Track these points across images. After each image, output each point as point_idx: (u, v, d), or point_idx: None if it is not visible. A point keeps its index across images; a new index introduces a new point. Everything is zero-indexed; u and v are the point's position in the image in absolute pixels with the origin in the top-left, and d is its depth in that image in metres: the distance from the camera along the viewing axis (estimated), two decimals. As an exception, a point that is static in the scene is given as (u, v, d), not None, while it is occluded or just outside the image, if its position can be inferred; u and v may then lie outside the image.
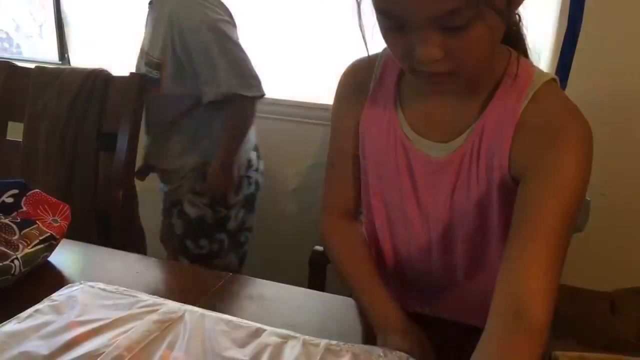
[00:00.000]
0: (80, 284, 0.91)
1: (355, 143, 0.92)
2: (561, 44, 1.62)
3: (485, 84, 0.81)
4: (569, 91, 1.64)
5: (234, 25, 1.71)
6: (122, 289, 0.89)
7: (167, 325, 0.80)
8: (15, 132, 1.73)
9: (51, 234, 1.06)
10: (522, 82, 0.78)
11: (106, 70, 1.69)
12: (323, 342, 0.78)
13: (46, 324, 0.80)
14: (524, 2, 0.72)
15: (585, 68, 1.69)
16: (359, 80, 0.91)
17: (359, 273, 0.90)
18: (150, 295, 0.88)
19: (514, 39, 0.82)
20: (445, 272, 0.93)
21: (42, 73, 1.72)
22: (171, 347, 0.76)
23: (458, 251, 0.90)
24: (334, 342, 0.78)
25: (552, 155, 0.73)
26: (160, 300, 0.87)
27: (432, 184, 0.86)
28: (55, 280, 1.03)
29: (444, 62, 0.69)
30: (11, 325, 0.79)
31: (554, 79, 0.80)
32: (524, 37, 0.83)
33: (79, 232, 1.18)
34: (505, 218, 0.80)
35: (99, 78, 1.66)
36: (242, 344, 0.77)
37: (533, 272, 0.67)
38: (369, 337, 0.81)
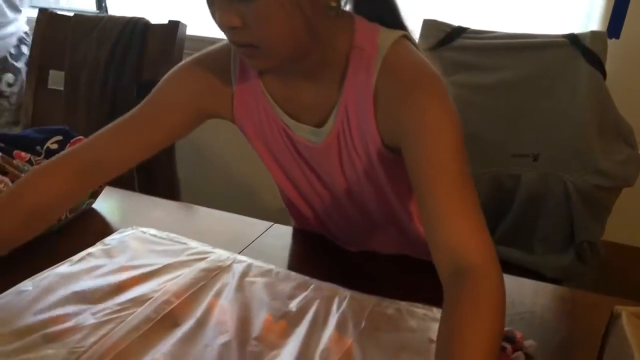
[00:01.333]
0: (133, 229, 0.92)
1: (178, 121, 0.88)
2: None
3: (334, 61, 0.78)
4: (621, 40, 1.57)
5: None
6: (172, 235, 0.90)
7: (215, 273, 0.80)
8: (56, 80, 1.73)
9: (96, 181, 1.06)
10: (369, 53, 0.76)
11: (144, 19, 1.67)
12: (371, 298, 0.77)
13: (98, 267, 0.81)
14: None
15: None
16: (210, 75, 0.86)
17: None
18: (200, 243, 0.88)
19: (379, 6, 0.79)
20: (364, 223, 0.94)
21: (81, 22, 1.71)
22: (218, 295, 0.76)
23: (370, 208, 0.91)
24: (382, 299, 0.77)
25: (412, 114, 0.72)
26: (209, 248, 0.87)
27: (321, 164, 0.87)
28: (99, 227, 1.04)
29: (243, 33, 0.69)
30: (65, 267, 0.81)
31: (403, 35, 0.78)
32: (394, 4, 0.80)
33: (120, 181, 1.18)
34: (395, 181, 0.84)
35: (137, 26, 1.64)
36: (290, 296, 0.77)
37: (451, 224, 0.67)
38: (413, 294, 0.80)
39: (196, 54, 0.88)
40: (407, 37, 0.79)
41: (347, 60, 0.78)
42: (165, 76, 0.88)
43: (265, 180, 0.97)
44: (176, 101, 0.87)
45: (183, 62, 0.88)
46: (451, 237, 0.66)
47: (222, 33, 0.73)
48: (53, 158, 0.86)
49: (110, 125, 0.86)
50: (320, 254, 0.96)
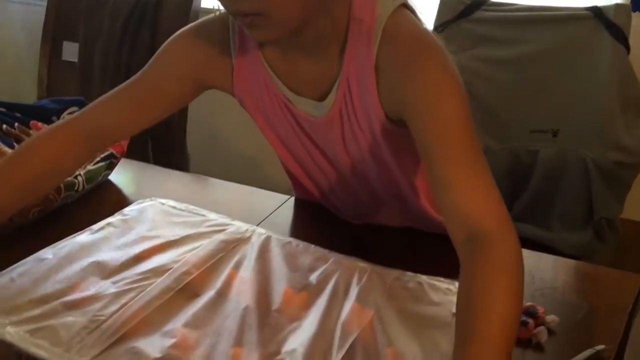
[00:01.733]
0: (152, 200, 0.91)
1: (178, 92, 0.87)
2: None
3: (334, 33, 0.76)
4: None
5: None
6: (191, 207, 0.89)
7: (234, 245, 0.80)
8: (70, 52, 1.72)
9: (111, 152, 1.05)
10: (368, 24, 0.74)
11: (158, -10, 1.65)
12: (392, 271, 0.76)
13: (118, 236, 0.81)
14: None
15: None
16: (209, 46, 0.85)
17: None
18: (219, 215, 0.88)
19: None
20: (370, 199, 0.93)
21: (94, -7, 1.70)
22: (238, 267, 0.76)
23: (375, 184, 0.90)
24: (403, 272, 0.76)
25: (414, 84, 0.71)
26: (228, 220, 0.86)
27: (323, 139, 0.85)
28: (116, 198, 1.03)
29: (248, 1, 0.66)
30: (84, 236, 0.80)
31: (402, 4, 0.76)
32: None
33: (134, 157, 1.18)
34: (399, 156, 0.83)
35: (151, -3, 1.63)
36: (310, 268, 0.76)
37: (462, 191, 0.65)
38: (421, 266, 0.79)
39: (192, 24, 0.87)
40: (406, 5, 0.77)
41: (346, 33, 0.76)
42: (164, 45, 0.87)
43: (273, 155, 0.97)
44: (174, 72, 0.86)
45: (180, 31, 0.87)
46: (463, 204, 0.65)
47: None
48: (56, 123, 0.86)
49: (112, 92, 0.86)
50: (324, 226, 0.95)
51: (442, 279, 0.75)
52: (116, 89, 0.86)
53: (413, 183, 0.89)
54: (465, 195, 0.66)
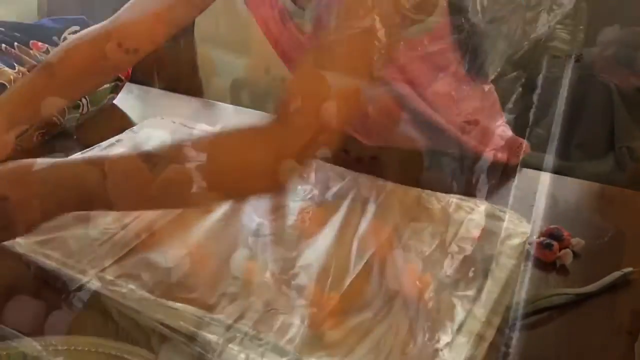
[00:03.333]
0: (162, 118, 0.89)
1: None
2: None
3: None
4: None
5: None
6: (204, 125, 0.87)
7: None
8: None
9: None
10: None
11: None
12: (410, 189, 0.74)
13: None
14: None
15: None
16: None
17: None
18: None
19: None
20: (380, 115, 0.87)
21: None
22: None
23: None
24: (421, 190, 0.74)
25: None
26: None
27: None
28: (121, 122, 1.00)
29: None
30: (94, 152, 0.79)
31: None
32: None
33: (139, 81, 1.14)
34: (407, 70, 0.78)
35: None
36: (326, 185, 0.74)
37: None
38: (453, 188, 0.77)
39: None
40: None
41: None
42: None
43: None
44: None
45: None
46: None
47: None
48: (92, 27, 0.87)
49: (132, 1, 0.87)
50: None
51: (462, 197, 0.72)
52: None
53: (424, 95, 0.84)
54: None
